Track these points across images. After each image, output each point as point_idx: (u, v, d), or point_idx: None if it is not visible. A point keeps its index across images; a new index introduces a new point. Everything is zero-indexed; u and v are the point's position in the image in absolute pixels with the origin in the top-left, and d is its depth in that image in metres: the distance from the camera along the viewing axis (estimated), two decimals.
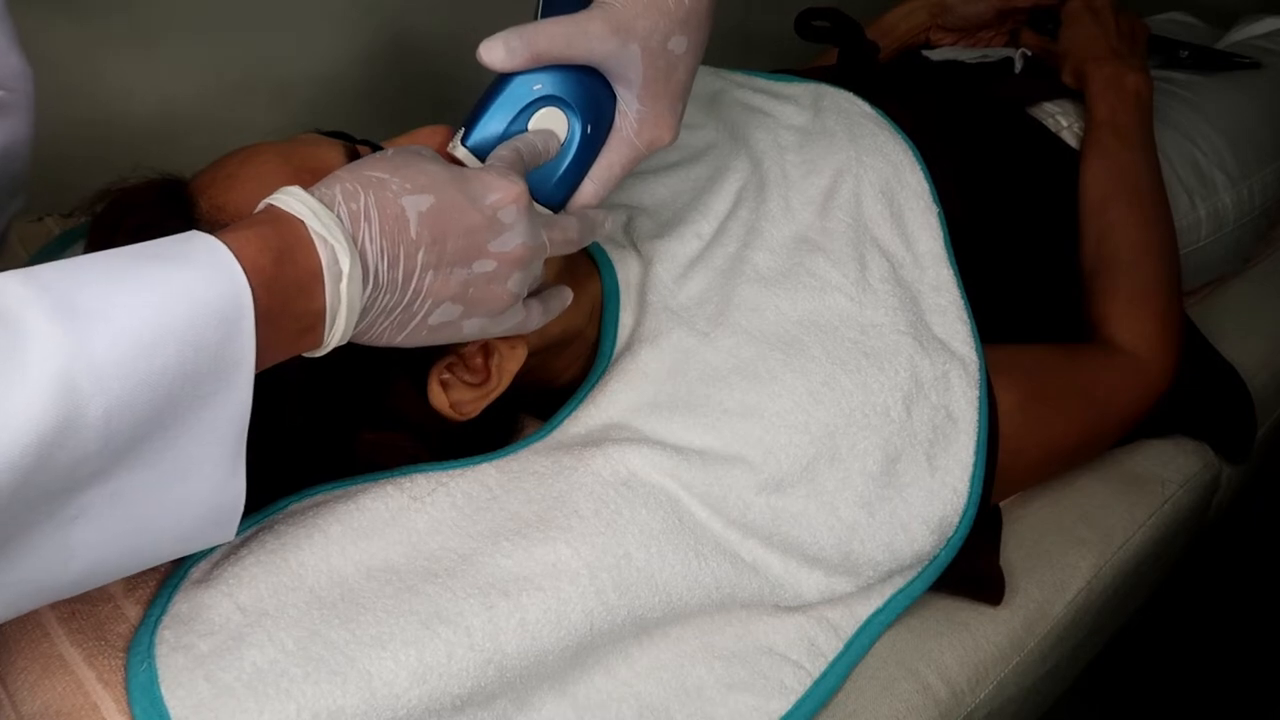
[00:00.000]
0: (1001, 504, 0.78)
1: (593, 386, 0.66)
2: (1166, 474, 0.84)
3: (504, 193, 0.50)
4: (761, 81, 0.88)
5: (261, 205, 0.46)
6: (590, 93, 0.56)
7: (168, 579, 0.55)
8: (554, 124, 0.57)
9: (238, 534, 0.56)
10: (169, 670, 0.49)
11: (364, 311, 0.47)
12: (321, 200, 0.46)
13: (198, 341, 0.39)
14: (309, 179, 0.56)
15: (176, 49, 0.86)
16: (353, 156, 0.59)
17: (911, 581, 0.67)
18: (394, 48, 1.01)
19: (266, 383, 0.54)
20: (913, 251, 0.74)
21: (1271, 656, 1.22)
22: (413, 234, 0.47)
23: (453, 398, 0.61)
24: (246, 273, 0.41)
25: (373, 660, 0.50)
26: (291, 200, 0.45)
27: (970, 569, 0.70)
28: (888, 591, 0.67)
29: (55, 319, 0.36)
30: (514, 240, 0.50)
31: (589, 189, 0.59)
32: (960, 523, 0.67)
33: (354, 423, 0.60)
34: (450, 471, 0.59)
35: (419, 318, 0.49)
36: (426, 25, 1.03)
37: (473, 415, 0.62)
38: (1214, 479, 0.89)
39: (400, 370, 0.60)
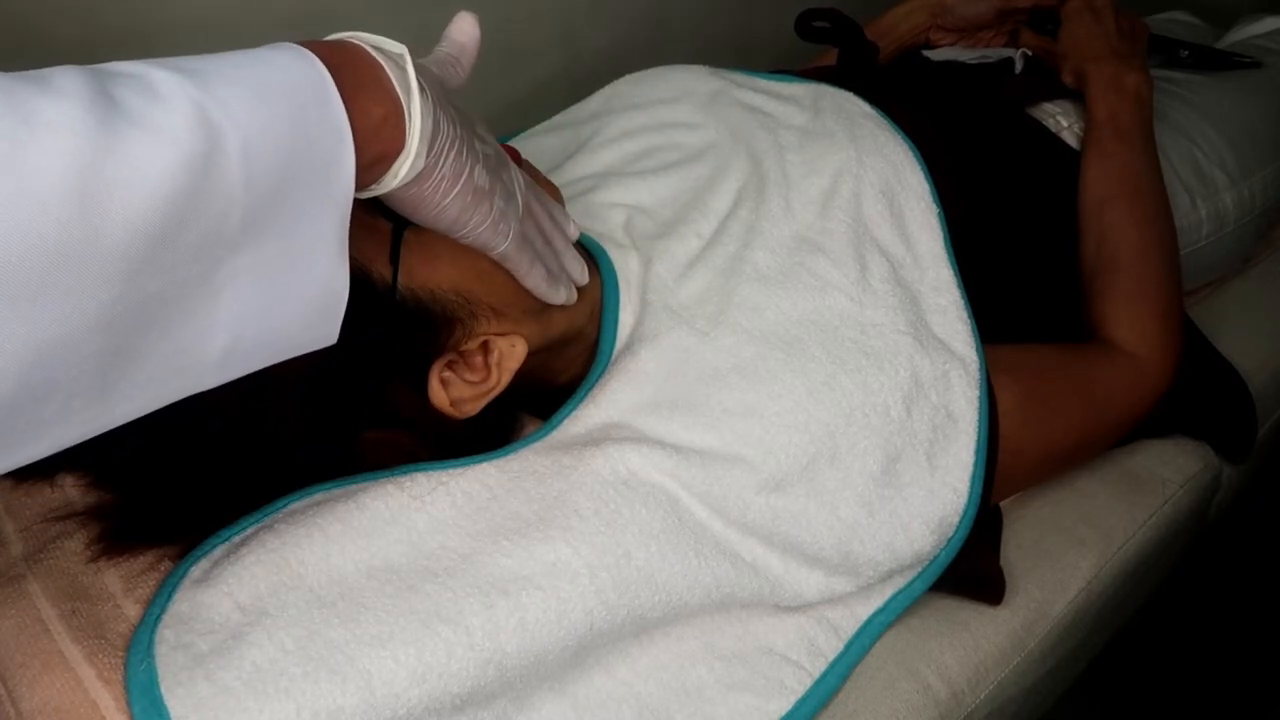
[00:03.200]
0: (1001, 504, 0.78)
1: (593, 386, 0.66)
2: (1166, 474, 0.84)
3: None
4: (761, 82, 0.88)
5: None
6: None
7: (168, 578, 0.55)
8: None
9: (238, 533, 0.56)
10: (169, 669, 0.49)
11: (433, 130, 0.48)
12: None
13: (302, 102, 0.42)
14: None
15: None
16: None
17: (912, 581, 0.67)
18: None
19: (268, 381, 0.54)
20: (913, 252, 0.74)
21: (1271, 656, 1.22)
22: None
23: (453, 395, 0.61)
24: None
25: (372, 660, 0.50)
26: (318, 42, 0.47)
27: (970, 569, 0.70)
28: (888, 591, 0.67)
29: (174, 73, 0.39)
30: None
31: None
32: (960, 522, 0.67)
33: (354, 422, 0.60)
34: (450, 471, 0.59)
35: (468, 169, 0.51)
36: None
37: (473, 414, 0.61)
38: (1214, 479, 0.89)
39: (400, 368, 0.60)
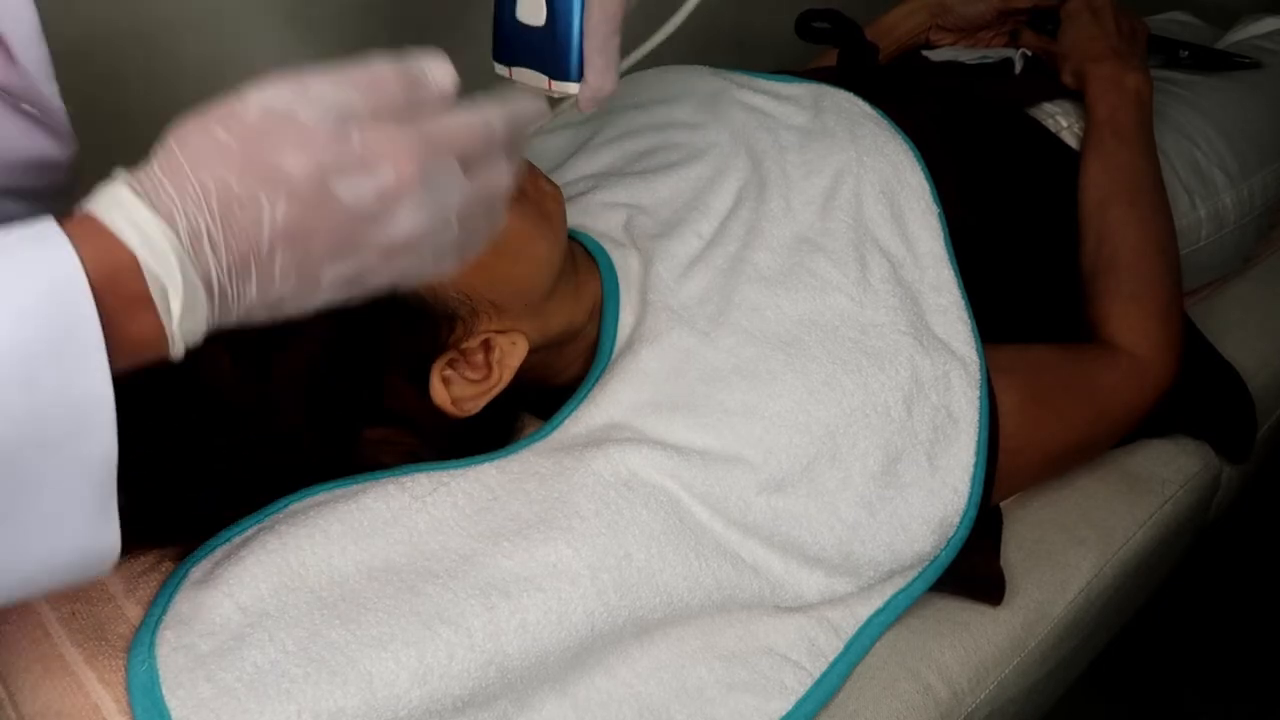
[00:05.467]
0: (1001, 504, 0.78)
1: (593, 386, 0.66)
2: (1166, 474, 0.84)
3: (388, 176, 0.40)
4: (762, 82, 0.88)
5: (84, 210, 0.39)
6: None
7: (169, 579, 0.55)
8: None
9: (238, 534, 0.56)
10: (169, 670, 0.49)
11: (222, 313, 0.40)
12: (159, 211, 0.38)
13: (28, 380, 0.34)
14: None
15: None
16: None
17: (912, 581, 0.67)
18: None
19: (269, 381, 0.54)
20: (913, 252, 0.74)
21: (1272, 656, 1.22)
22: (265, 246, 0.39)
23: (454, 394, 0.61)
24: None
25: (374, 661, 0.50)
26: (118, 218, 0.37)
27: (970, 569, 0.70)
28: (888, 591, 0.67)
29: None
30: (403, 225, 0.41)
31: (597, 64, 0.58)
32: (960, 523, 0.67)
33: (355, 421, 0.60)
34: (451, 471, 0.59)
35: (298, 308, 0.42)
36: None
37: (474, 412, 0.62)
38: (1214, 479, 0.89)
39: (402, 367, 0.60)
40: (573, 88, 0.60)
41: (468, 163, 0.43)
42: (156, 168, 0.38)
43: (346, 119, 0.40)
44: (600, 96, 0.59)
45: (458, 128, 0.43)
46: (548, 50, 0.59)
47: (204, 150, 0.39)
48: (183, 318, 0.38)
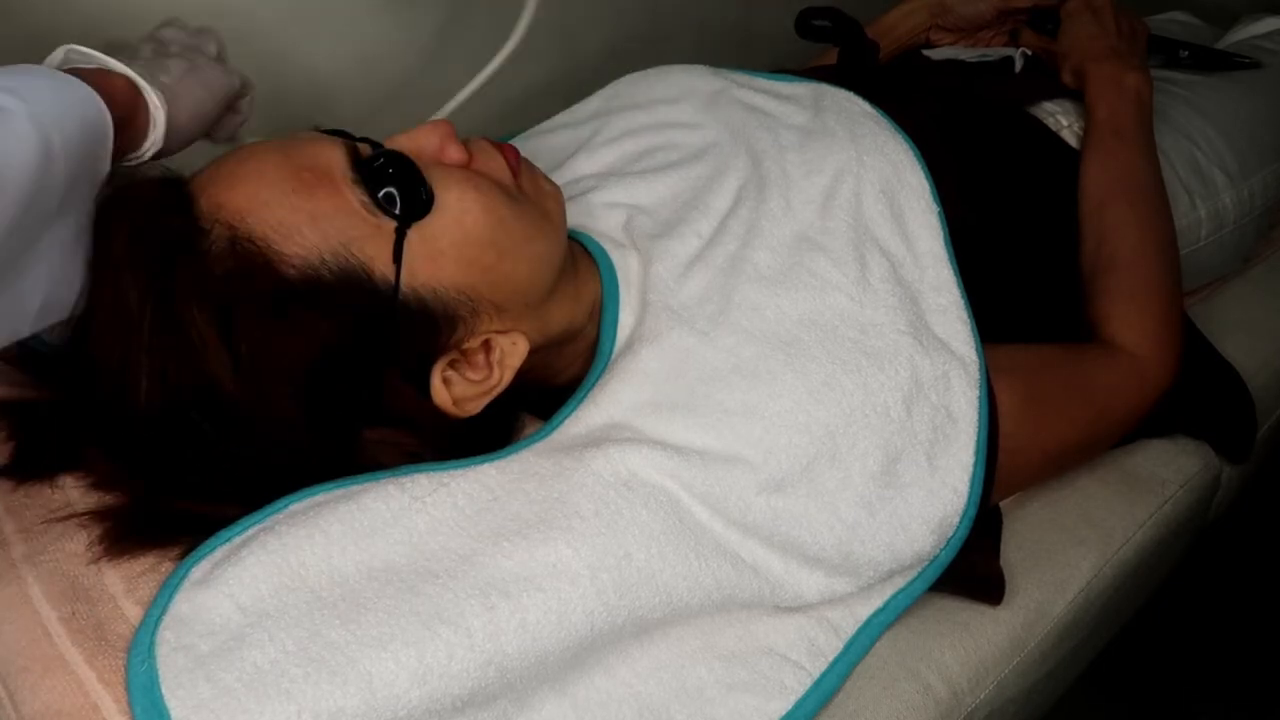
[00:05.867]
0: (1001, 504, 0.78)
1: (593, 386, 0.66)
2: (1166, 474, 0.84)
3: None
4: (762, 81, 0.88)
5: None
6: None
7: (168, 579, 0.55)
8: None
9: (238, 534, 0.56)
10: (169, 670, 0.49)
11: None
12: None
13: (86, 119, 0.55)
14: (309, 177, 0.57)
15: None
16: (353, 153, 0.59)
17: (912, 581, 0.67)
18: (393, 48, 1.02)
19: (270, 380, 0.54)
20: (913, 251, 0.74)
21: (1272, 656, 1.22)
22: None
23: (455, 394, 0.61)
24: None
25: (373, 661, 0.50)
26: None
27: (970, 569, 0.70)
28: (888, 591, 0.67)
29: (6, 94, 0.51)
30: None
31: None
32: (960, 523, 0.67)
33: (355, 421, 0.60)
34: (452, 472, 0.59)
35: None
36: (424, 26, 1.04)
37: (475, 412, 0.62)
38: (1214, 479, 0.89)
39: (403, 368, 0.60)
40: None
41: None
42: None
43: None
44: None
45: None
46: None
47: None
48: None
